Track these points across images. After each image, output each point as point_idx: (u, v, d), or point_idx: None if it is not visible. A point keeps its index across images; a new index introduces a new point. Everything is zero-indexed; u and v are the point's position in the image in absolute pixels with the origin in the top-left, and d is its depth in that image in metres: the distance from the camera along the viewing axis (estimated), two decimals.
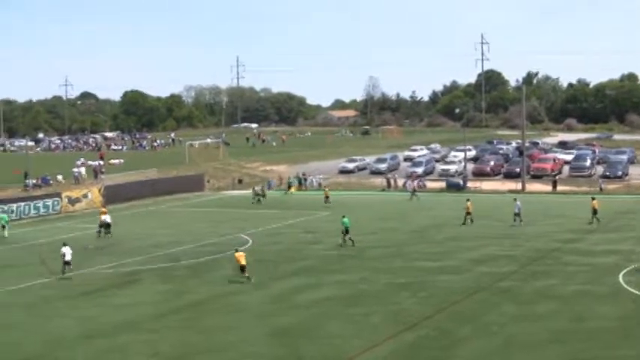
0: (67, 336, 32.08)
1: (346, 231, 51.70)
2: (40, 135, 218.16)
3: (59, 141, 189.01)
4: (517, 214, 58.39)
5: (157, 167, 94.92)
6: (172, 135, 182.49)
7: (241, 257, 42.01)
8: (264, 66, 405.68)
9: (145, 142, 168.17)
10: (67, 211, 72.51)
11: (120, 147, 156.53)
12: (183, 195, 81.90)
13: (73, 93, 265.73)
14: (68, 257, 44.25)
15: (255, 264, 46.05)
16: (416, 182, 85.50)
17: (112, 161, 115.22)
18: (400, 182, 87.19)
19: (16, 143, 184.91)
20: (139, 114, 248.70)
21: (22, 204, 70.66)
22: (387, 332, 31.20)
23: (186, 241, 55.22)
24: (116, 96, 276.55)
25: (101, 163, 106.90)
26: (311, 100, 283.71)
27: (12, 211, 68.41)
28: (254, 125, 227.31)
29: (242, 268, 41.64)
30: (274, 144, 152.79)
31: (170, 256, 49.88)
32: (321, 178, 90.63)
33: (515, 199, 60.56)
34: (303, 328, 32.08)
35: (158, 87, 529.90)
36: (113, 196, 78.50)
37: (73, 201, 74.71)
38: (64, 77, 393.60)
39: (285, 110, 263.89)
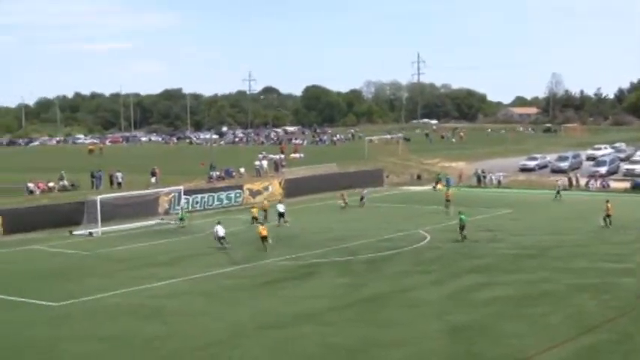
0: (246, 325, 32.96)
1: (462, 227, 52.47)
2: (224, 128, 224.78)
3: (242, 134, 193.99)
4: None
5: (336, 162, 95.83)
6: (352, 130, 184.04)
7: (264, 230, 50.57)
8: (445, 62, 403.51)
9: (325, 137, 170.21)
10: (249, 203, 74.27)
11: (300, 141, 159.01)
12: (361, 190, 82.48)
13: (256, 88, 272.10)
14: (221, 233, 51.41)
15: (434, 261, 46.04)
16: (599, 182, 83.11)
17: (293, 155, 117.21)
18: (582, 181, 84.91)
19: (202, 136, 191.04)
20: (319, 109, 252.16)
21: (207, 195, 73.01)
22: (566, 334, 30.48)
23: (364, 235, 55.63)
24: (298, 91, 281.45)
25: (282, 156, 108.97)
26: (491, 97, 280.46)
27: (197, 202, 70.85)
28: (433, 121, 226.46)
29: (263, 239, 50.08)
30: (453, 140, 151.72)
31: (348, 249, 50.39)
32: (501, 176, 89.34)
33: None
34: (479, 327, 31.76)
35: (339, 82, 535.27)
36: (293, 189, 79.96)
37: (254, 193, 76.52)
38: (247, 72, 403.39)
39: (465, 107, 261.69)
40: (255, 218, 60.76)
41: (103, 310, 36.15)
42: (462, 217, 53.38)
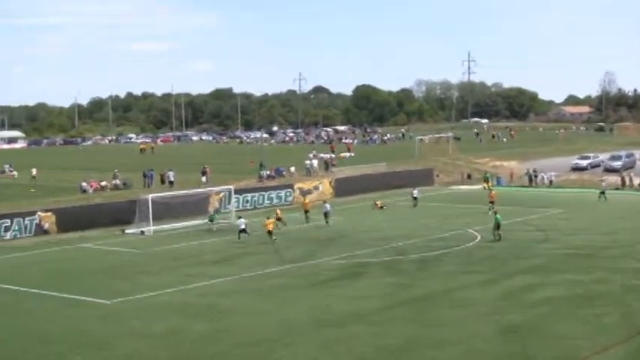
0: (296, 323, 33.07)
1: (497, 226, 52.37)
2: (275, 128, 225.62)
3: (292, 134, 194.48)
4: None
5: (386, 161, 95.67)
6: (402, 129, 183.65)
7: (270, 224, 53.65)
8: (496, 61, 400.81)
9: (375, 136, 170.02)
10: (299, 202, 74.39)
11: (351, 140, 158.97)
12: (411, 189, 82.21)
13: (307, 87, 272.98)
14: (242, 226, 54.61)
15: (484, 260, 45.78)
16: None
17: (343, 154, 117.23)
18: (636, 181, 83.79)
19: (252, 135, 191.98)
20: (369, 108, 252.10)
21: (257, 194, 73.28)
22: (620, 335, 30.11)
23: (414, 235, 55.50)
24: (348, 90, 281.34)
25: (332, 156, 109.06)
26: (543, 96, 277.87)
27: (247, 201, 71.16)
28: (484, 120, 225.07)
29: (269, 233, 53.21)
30: (504, 140, 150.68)
31: (398, 249, 50.31)
32: (553, 175, 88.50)
33: None
34: (531, 327, 31.49)
35: (389, 81, 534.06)
36: (343, 188, 79.99)
37: (304, 192, 76.62)
38: (298, 72, 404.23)
39: (517, 105, 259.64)
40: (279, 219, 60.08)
41: (154, 308, 36.51)
42: (497, 216, 53.33)
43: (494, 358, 28.06)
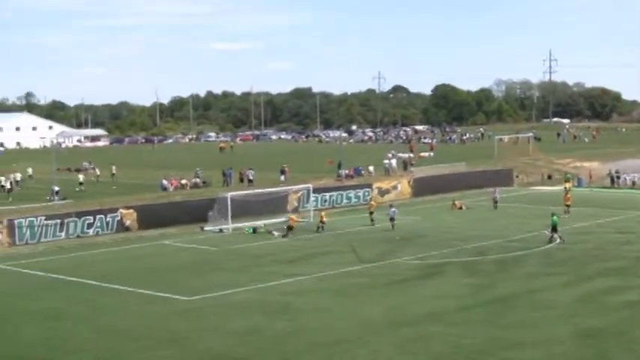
0: (374, 323, 33.08)
1: (554, 228, 51.45)
2: (354, 127, 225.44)
3: (371, 133, 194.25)
4: None
5: (465, 161, 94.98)
6: (482, 129, 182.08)
7: (293, 220, 57.22)
8: (578, 60, 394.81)
9: (454, 136, 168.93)
10: (377, 202, 74.33)
11: (430, 140, 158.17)
12: (491, 189, 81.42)
13: (386, 87, 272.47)
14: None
15: (564, 262, 45.19)
16: None
17: (422, 154, 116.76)
18: None
19: (331, 134, 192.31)
20: (448, 107, 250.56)
21: (335, 193, 73.36)
22: None
23: (493, 235, 55.02)
24: (427, 89, 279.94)
25: (411, 155, 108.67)
26: (626, 96, 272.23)
27: (325, 200, 71.32)
28: (565, 120, 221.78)
29: (289, 228, 56.47)
30: (586, 140, 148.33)
31: (476, 249, 49.95)
32: (636, 177, 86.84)
33: None
34: (612, 331, 30.98)
35: (469, 81, 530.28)
36: (422, 188, 79.64)
37: (382, 192, 76.53)
38: (377, 71, 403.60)
39: (599, 105, 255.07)
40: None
41: (232, 305, 36.86)
42: (554, 218, 52.32)
43: None
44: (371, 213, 61.92)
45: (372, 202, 65.59)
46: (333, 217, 63.60)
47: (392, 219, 58.66)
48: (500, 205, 69.12)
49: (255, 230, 58.99)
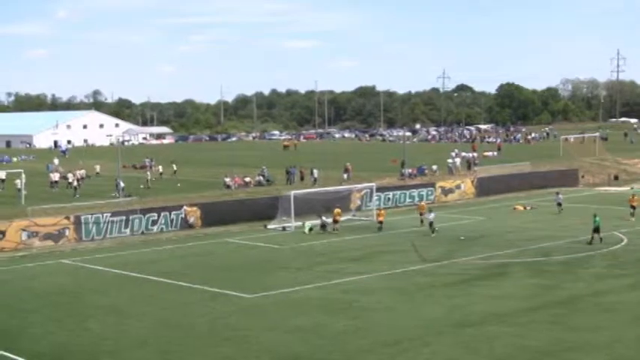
0: (437, 322, 32.88)
1: (596, 230, 50.63)
2: (417, 126, 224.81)
3: (435, 132, 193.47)
4: None
5: (530, 160, 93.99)
6: (547, 128, 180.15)
7: (338, 214, 58.54)
8: None
9: (519, 135, 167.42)
10: (440, 201, 74.00)
11: (494, 139, 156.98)
12: (556, 189, 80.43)
13: (450, 85, 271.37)
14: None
15: (631, 264, 44.48)
16: None
17: (486, 153, 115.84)
18: None
19: (395, 133, 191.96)
20: (513, 107, 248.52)
21: (398, 192, 73.12)
22: None
23: (558, 236, 54.32)
24: (491, 88, 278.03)
25: (475, 154, 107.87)
26: None
27: (388, 199, 71.12)
28: (633, 120, 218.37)
29: (335, 221, 58.17)
30: None
31: (541, 250, 49.36)
32: None
33: None
34: None
35: (534, 80, 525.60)
36: (485, 188, 79.02)
37: (446, 191, 76.11)
38: (441, 70, 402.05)
39: None
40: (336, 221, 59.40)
41: (294, 303, 36.92)
42: (597, 219, 51.30)
43: None
44: (421, 214, 61.21)
45: (423, 204, 64.75)
46: (396, 216, 63.35)
47: (431, 224, 56.94)
48: (565, 206, 68.02)
49: (311, 229, 58.88)
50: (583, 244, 50.69)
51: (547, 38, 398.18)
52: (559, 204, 66.73)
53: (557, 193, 68.28)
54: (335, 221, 59.06)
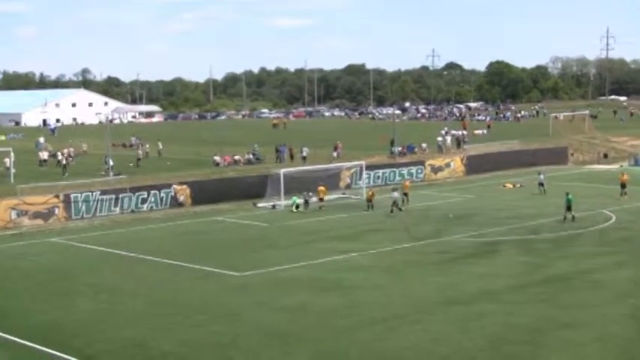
0: (426, 299, 32.99)
1: (569, 208, 51.00)
2: (407, 104, 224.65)
3: (425, 110, 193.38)
4: None
5: (519, 139, 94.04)
6: (537, 106, 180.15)
7: (322, 192, 59.05)
8: (636, 37, 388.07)
9: (508, 113, 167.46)
10: (430, 180, 74.04)
11: (483, 117, 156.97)
12: (545, 168, 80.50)
13: (440, 63, 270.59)
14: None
15: (620, 242, 44.63)
16: None
17: (476, 132, 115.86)
18: None
19: (384, 111, 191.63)
20: (503, 85, 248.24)
21: (388, 170, 73.09)
22: None
23: (546, 214, 54.37)
24: (481, 66, 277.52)
25: (464, 132, 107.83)
26: None
27: (378, 177, 71.13)
28: (623, 98, 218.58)
29: (320, 199, 58.92)
30: None
31: (530, 228, 49.50)
32: None
33: None
34: None
35: (524, 58, 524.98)
36: (475, 166, 79.06)
37: (435, 169, 76.17)
38: (431, 48, 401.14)
39: None
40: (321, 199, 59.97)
41: (283, 282, 36.97)
42: (569, 197, 51.38)
43: (627, 342, 27.35)
44: (405, 194, 60.42)
45: (407, 183, 64.17)
46: (385, 194, 63.33)
47: (394, 202, 56.48)
48: (554, 184, 68.00)
49: (297, 206, 58.82)
50: (569, 223, 50.63)
51: (537, 16, 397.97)
52: (541, 184, 65.56)
53: (539, 173, 67.14)
54: (320, 199, 59.12)
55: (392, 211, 56.00)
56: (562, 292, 34.01)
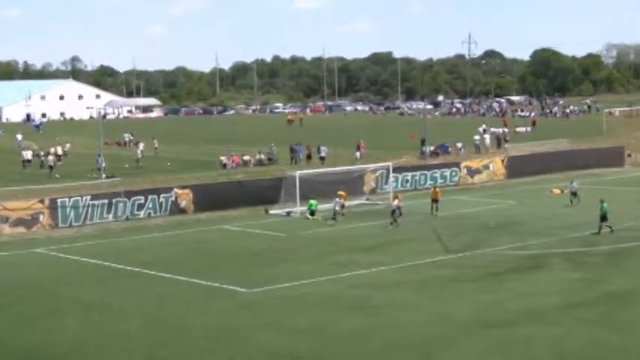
0: (463, 322, 32.73)
1: (604, 218, 50.05)
2: (440, 97, 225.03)
3: (460, 105, 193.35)
4: None
5: (568, 137, 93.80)
6: (588, 100, 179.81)
7: (342, 197, 58.04)
8: None
9: (555, 108, 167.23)
10: (466, 183, 73.85)
11: (527, 113, 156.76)
12: (598, 170, 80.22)
13: (477, 51, 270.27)
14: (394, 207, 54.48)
15: None
16: None
17: (518, 129, 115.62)
18: None
19: (414, 106, 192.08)
20: (550, 76, 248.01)
21: (418, 173, 72.90)
22: None
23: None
24: (525, 55, 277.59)
25: (506, 130, 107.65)
26: None
27: (407, 181, 70.95)
28: None
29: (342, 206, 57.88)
30: None
31: (582, 239, 49.20)
32: None
33: None
34: None
35: (573, 45, 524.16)
36: (517, 168, 78.72)
37: (472, 172, 75.92)
38: (466, 34, 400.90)
39: None
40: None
41: (298, 299, 36.83)
42: (604, 205, 50.38)
43: None
44: (435, 201, 59.52)
45: (437, 190, 63.12)
46: (415, 200, 63.13)
47: (393, 212, 55.45)
48: (608, 189, 67.70)
49: (313, 213, 58.59)
50: (629, 232, 50.29)
51: None
52: (574, 193, 63.63)
53: (572, 182, 65.25)
54: (341, 206, 58.76)
55: (391, 223, 54.56)
56: (619, 312, 33.76)
